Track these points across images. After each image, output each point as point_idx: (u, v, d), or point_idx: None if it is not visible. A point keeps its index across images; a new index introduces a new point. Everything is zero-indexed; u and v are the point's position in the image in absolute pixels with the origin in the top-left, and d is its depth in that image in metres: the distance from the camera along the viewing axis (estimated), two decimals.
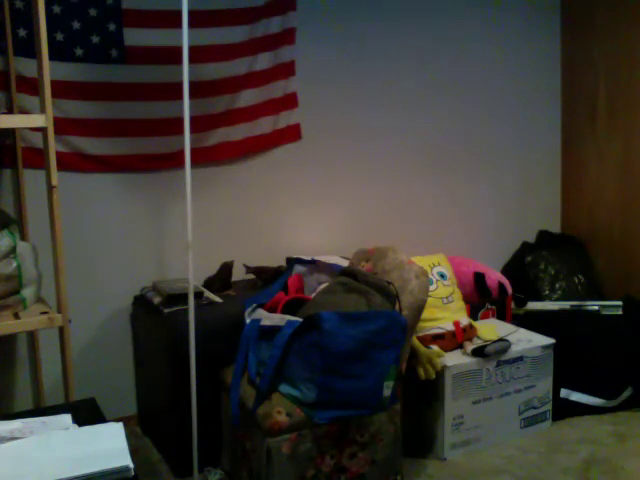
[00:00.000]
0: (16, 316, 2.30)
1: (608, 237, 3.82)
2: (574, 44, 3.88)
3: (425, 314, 2.55)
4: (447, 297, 2.91)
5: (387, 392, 2.24)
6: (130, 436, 1.50)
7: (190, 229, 2.30)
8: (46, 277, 2.45)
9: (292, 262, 2.81)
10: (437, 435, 2.74)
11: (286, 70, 3.16)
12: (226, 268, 2.94)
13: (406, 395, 2.54)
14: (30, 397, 2.83)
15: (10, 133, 2.63)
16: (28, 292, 2.37)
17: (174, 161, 2.88)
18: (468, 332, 2.87)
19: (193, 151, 2.33)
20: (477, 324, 3.00)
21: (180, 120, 2.27)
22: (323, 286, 2.64)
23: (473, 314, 3.15)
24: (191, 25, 2.21)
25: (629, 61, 3.60)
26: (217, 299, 2.75)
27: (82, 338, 2.88)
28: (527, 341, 2.92)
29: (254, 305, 2.52)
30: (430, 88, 3.56)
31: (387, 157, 3.50)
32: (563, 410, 3.01)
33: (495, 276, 3.23)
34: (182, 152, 2.28)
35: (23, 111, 2.59)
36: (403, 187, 3.57)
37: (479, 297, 3.20)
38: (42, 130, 2.21)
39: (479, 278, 3.16)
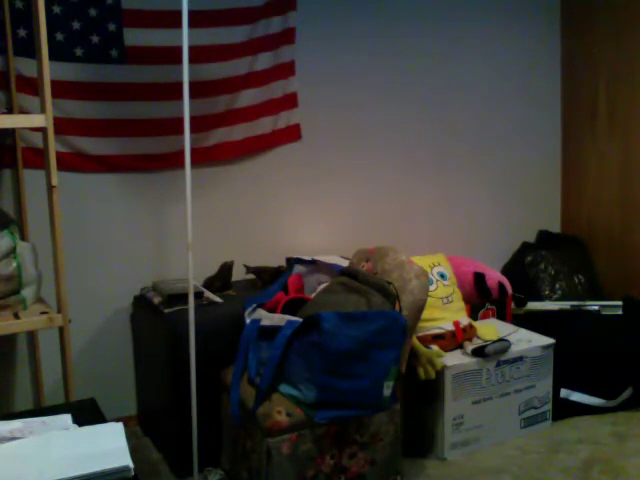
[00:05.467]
0: (16, 316, 2.29)
1: (608, 237, 3.83)
2: (574, 44, 3.88)
3: (425, 314, 2.54)
4: (447, 297, 2.91)
5: (387, 392, 2.24)
6: (130, 436, 1.49)
7: (190, 229, 2.30)
8: (46, 277, 2.45)
9: (292, 262, 2.81)
10: (437, 435, 2.74)
11: (286, 70, 3.16)
12: (226, 268, 2.94)
13: (406, 395, 2.54)
14: (30, 397, 2.83)
15: (10, 133, 2.63)
16: (28, 292, 2.37)
17: (174, 161, 2.88)
18: (468, 332, 2.87)
19: (193, 151, 2.33)
20: (477, 324, 3.00)
21: (180, 120, 2.27)
22: (323, 286, 2.64)
23: (473, 314, 3.15)
24: (191, 25, 2.21)
25: (629, 61, 3.60)
26: (217, 299, 2.75)
27: (82, 338, 2.88)
28: (527, 341, 2.92)
29: (254, 305, 2.52)
30: (430, 88, 3.57)
31: (387, 157, 3.50)
32: (563, 410, 3.01)
33: (495, 276, 3.23)
34: (182, 152, 2.28)
35: (23, 111, 2.59)
36: (403, 187, 3.57)
37: (479, 297, 3.19)
38: (42, 130, 2.20)
39: (479, 278, 3.16)
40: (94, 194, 2.86)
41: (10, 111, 2.53)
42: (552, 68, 3.95)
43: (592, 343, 3.09)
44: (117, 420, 1.58)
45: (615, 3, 3.64)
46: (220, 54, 2.94)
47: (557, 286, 3.69)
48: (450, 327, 2.83)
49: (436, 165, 3.65)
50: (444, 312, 2.87)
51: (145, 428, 3.00)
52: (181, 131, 2.26)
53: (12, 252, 2.33)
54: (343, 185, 3.41)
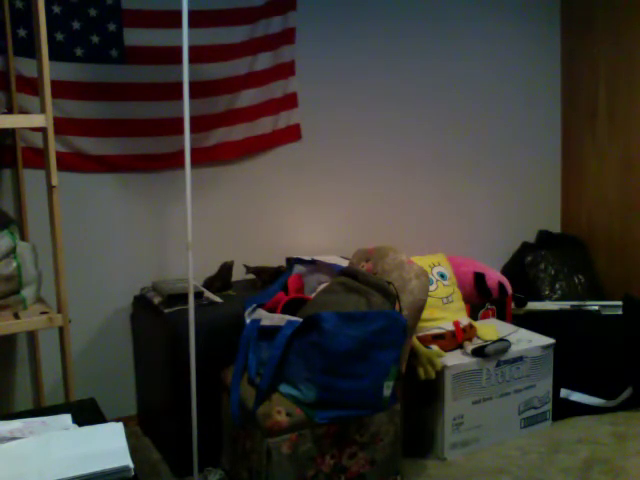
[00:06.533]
0: (16, 316, 2.30)
1: (608, 237, 3.83)
2: (574, 44, 3.88)
3: (425, 314, 2.55)
4: (447, 297, 2.91)
5: (387, 392, 2.24)
6: (130, 436, 1.49)
7: (190, 229, 2.30)
8: (46, 277, 2.45)
9: (292, 262, 2.81)
10: (437, 435, 2.74)
11: (286, 70, 3.16)
12: (226, 268, 2.94)
13: (406, 395, 2.54)
14: (30, 397, 2.83)
15: (10, 133, 2.63)
16: (28, 292, 2.37)
17: (174, 161, 2.88)
18: (468, 332, 2.87)
19: (193, 151, 2.33)
20: (477, 324, 3.00)
21: (180, 120, 2.27)
22: (323, 286, 2.64)
23: (473, 314, 3.15)
24: (191, 25, 2.21)
25: (629, 61, 3.60)
26: (217, 299, 2.75)
27: (82, 338, 2.88)
28: (527, 341, 2.92)
29: (254, 305, 2.52)
30: (430, 88, 3.57)
31: (387, 157, 3.50)
32: (563, 410, 3.01)
33: (495, 276, 3.23)
34: (182, 152, 2.28)
35: (23, 111, 2.59)
36: (403, 187, 3.57)
37: (479, 297, 3.19)
38: (42, 130, 2.20)
39: (479, 278, 3.15)
40: (94, 194, 2.86)
41: (10, 111, 2.53)
42: (552, 68, 3.95)
43: (592, 343, 3.09)
44: (117, 420, 1.58)
45: (615, 3, 3.64)
46: (220, 54, 2.94)
47: (557, 286, 3.69)
48: (450, 327, 2.83)
49: (436, 165, 3.65)
50: (444, 312, 2.87)
51: (145, 428, 3.00)
52: (181, 131, 2.26)
53: (12, 252, 2.33)
54: (343, 185, 3.41)
